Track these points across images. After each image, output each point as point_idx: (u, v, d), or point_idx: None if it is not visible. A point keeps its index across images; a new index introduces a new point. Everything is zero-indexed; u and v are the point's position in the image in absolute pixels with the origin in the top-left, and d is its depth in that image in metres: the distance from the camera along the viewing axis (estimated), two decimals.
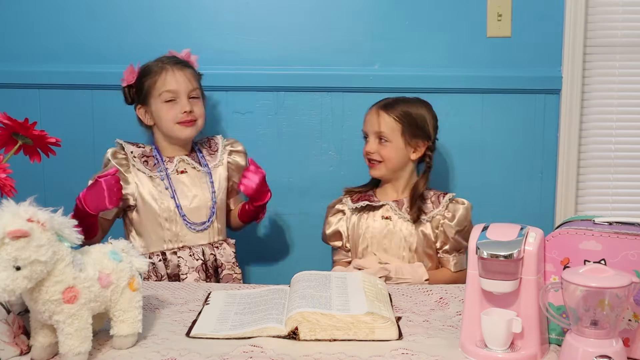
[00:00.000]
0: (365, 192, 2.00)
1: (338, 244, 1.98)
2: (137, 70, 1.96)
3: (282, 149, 2.26)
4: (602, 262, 1.14)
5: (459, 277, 1.86)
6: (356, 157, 2.25)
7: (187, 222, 1.89)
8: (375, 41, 2.22)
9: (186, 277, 1.86)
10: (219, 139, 2.03)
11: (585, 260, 1.15)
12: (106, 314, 1.19)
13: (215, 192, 1.93)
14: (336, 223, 1.98)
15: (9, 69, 2.21)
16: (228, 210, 2.03)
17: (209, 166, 1.96)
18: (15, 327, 1.16)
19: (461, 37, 2.21)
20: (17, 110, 1.57)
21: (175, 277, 1.86)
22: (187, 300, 1.47)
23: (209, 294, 1.49)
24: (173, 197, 1.89)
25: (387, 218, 1.92)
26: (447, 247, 1.91)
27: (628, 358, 1.11)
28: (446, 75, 2.21)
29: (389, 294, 1.47)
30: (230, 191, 2.02)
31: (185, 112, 1.89)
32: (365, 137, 1.97)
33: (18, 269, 1.02)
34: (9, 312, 1.16)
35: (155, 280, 1.85)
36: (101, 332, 1.23)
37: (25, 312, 1.18)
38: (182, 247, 1.89)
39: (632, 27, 2.22)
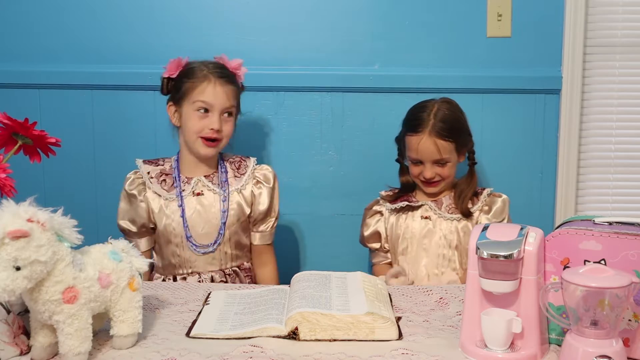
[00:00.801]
0: (403, 194, 1.98)
1: (376, 245, 1.97)
2: (182, 65, 1.88)
3: (282, 149, 2.26)
4: (602, 262, 1.14)
5: None
6: (356, 157, 2.26)
7: (193, 244, 1.84)
8: (375, 41, 2.22)
9: None
10: (251, 162, 1.93)
11: (585, 260, 1.15)
12: (106, 314, 1.19)
13: (226, 213, 1.85)
14: (374, 224, 1.97)
15: (9, 69, 2.21)
16: (250, 244, 1.94)
17: (230, 188, 1.88)
18: (15, 327, 1.16)
19: (461, 37, 2.21)
20: (17, 110, 1.56)
21: None
22: (187, 300, 1.47)
23: (209, 294, 1.49)
24: (182, 216, 1.84)
25: (426, 218, 1.91)
26: None
27: (628, 358, 1.11)
28: (446, 75, 2.21)
29: (389, 294, 1.47)
30: (249, 223, 1.91)
31: (212, 129, 1.82)
32: (417, 162, 1.90)
33: (18, 269, 1.02)
34: (9, 312, 1.16)
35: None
36: (101, 332, 1.23)
37: (25, 312, 1.18)
38: (192, 272, 1.85)
39: (632, 27, 2.22)
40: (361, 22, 2.21)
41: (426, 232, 1.90)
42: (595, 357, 1.04)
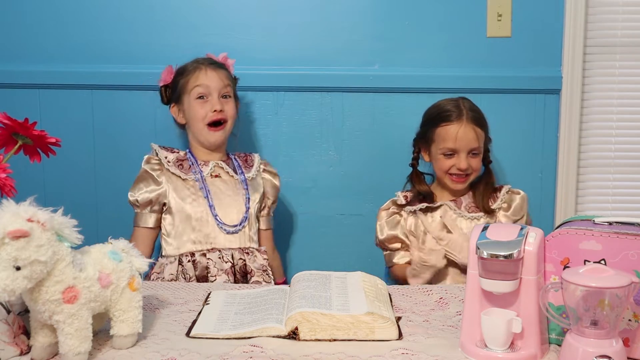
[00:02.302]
0: (419, 194, 1.96)
1: (397, 246, 1.94)
2: (174, 70, 1.99)
3: (282, 148, 2.26)
4: (602, 262, 1.14)
5: None
6: (356, 157, 2.26)
7: (220, 222, 1.88)
8: (375, 41, 2.22)
9: (215, 279, 1.81)
10: (256, 157, 2.04)
11: (585, 260, 1.15)
12: (106, 314, 1.19)
13: (249, 198, 1.93)
14: (393, 226, 1.94)
15: (9, 69, 2.21)
16: (258, 229, 1.99)
17: (245, 175, 1.96)
18: (15, 327, 1.16)
19: (461, 37, 2.21)
20: (17, 110, 1.57)
21: (203, 279, 1.82)
22: (187, 300, 1.47)
23: (209, 294, 1.49)
24: (206, 197, 1.88)
25: None
26: None
27: (628, 358, 1.11)
28: (446, 75, 2.21)
29: (389, 294, 1.47)
30: (262, 208, 2.00)
31: (215, 110, 1.89)
32: (450, 154, 1.89)
33: (18, 269, 1.02)
34: (9, 312, 1.16)
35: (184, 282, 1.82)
36: (101, 332, 1.23)
37: (25, 312, 1.18)
38: (212, 249, 1.86)
39: (632, 27, 2.22)
40: (361, 22, 2.21)
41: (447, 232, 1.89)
42: (595, 357, 1.04)
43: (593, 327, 1.06)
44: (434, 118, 1.94)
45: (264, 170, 2.02)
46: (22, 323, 1.18)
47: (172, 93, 1.98)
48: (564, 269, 1.16)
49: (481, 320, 1.15)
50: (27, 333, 1.17)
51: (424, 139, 1.97)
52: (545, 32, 2.20)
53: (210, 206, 1.88)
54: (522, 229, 1.17)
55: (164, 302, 1.45)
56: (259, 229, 2.00)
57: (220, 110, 1.91)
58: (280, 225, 2.28)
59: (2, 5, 2.21)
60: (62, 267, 1.07)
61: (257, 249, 1.92)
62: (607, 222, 1.16)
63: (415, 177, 2.00)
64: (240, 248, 1.89)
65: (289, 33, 2.22)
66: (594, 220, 1.18)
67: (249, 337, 1.23)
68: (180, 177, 1.90)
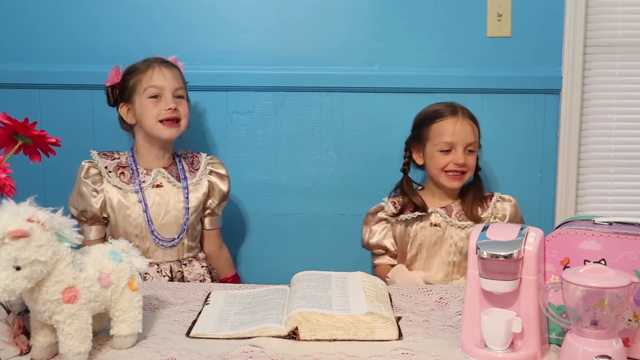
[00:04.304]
0: (409, 200, 1.95)
1: (382, 251, 1.97)
2: (122, 71, 1.94)
3: (282, 149, 2.26)
4: (602, 262, 1.14)
5: None
6: (356, 157, 2.25)
7: (157, 237, 1.87)
8: (375, 41, 2.22)
9: None
10: (203, 157, 1.99)
11: (585, 260, 1.15)
12: (106, 314, 1.19)
13: (188, 209, 1.90)
14: (380, 232, 1.96)
15: (9, 69, 2.21)
16: (202, 230, 2.00)
17: (187, 182, 1.92)
18: (15, 327, 1.16)
19: (461, 37, 2.21)
20: (17, 110, 1.56)
21: None
22: (187, 300, 1.47)
23: (209, 294, 1.49)
24: (145, 211, 1.86)
25: (436, 225, 1.91)
26: None
27: (628, 358, 1.11)
28: (446, 75, 2.21)
29: (389, 294, 1.47)
30: (206, 211, 1.98)
31: (169, 108, 1.86)
32: (447, 150, 1.89)
33: (18, 269, 1.02)
34: (9, 312, 1.16)
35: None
36: (101, 332, 1.23)
37: (25, 312, 1.18)
38: (150, 263, 1.85)
39: (632, 27, 2.22)
40: (361, 22, 2.21)
41: (436, 240, 1.90)
42: (595, 357, 1.04)
43: (593, 327, 1.06)
44: (429, 117, 1.94)
45: (211, 172, 1.97)
46: (22, 323, 1.18)
47: (121, 92, 1.93)
48: (564, 269, 1.16)
49: (481, 320, 1.15)
50: (27, 333, 1.17)
51: (417, 140, 1.97)
52: (545, 32, 2.21)
53: (148, 221, 1.86)
54: (522, 228, 1.17)
55: (164, 302, 1.46)
56: (202, 230, 2.00)
57: (175, 109, 1.87)
58: (281, 225, 2.28)
59: (2, 5, 2.21)
60: (62, 267, 1.07)
61: (194, 257, 1.94)
62: (607, 222, 1.16)
63: (407, 184, 2.00)
64: (178, 260, 1.90)
65: (289, 33, 2.21)
66: (594, 220, 1.18)
67: (249, 337, 1.23)
68: (121, 188, 1.86)
